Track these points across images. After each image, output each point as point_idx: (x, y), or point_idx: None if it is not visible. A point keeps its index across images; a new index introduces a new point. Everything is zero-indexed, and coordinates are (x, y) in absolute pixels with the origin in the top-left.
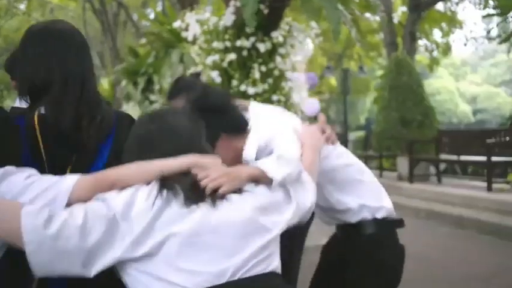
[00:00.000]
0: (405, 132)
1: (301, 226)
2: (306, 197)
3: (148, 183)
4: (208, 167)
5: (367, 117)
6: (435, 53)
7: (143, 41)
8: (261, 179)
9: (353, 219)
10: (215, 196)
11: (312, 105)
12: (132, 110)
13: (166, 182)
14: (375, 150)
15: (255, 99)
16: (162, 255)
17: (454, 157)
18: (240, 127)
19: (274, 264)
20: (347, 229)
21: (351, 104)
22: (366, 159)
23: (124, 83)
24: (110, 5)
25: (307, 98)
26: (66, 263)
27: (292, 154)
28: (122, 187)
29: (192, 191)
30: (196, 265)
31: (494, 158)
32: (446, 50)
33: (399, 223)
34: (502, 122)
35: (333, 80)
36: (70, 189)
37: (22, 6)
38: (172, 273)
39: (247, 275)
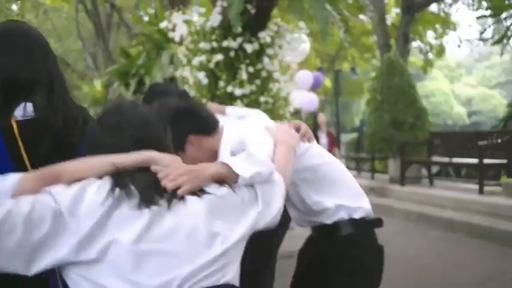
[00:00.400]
0: (396, 134)
1: (271, 233)
2: (274, 200)
3: (99, 178)
4: (166, 164)
5: (362, 119)
6: (430, 55)
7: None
8: (226, 177)
9: (330, 220)
10: (172, 197)
11: (311, 100)
12: None
13: (120, 180)
14: (367, 153)
15: (242, 101)
16: (106, 263)
17: (446, 159)
18: (208, 127)
19: (229, 275)
20: (323, 230)
21: (346, 106)
22: (358, 162)
23: (116, 84)
24: (103, 6)
25: (303, 95)
26: (5, 258)
27: (263, 153)
28: (71, 181)
29: (149, 190)
30: (140, 275)
31: (486, 161)
32: (440, 51)
33: (378, 222)
34: (495, 124)
35: (327, 82)
36: (14, 183)
37: (15, 7)
38: (115, 283)
39: (196, 287)
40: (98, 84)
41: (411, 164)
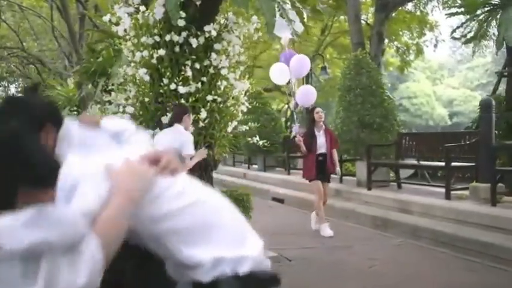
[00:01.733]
0: (364, 136)
1: None
2: (76, 275)
3: None
4: None
5: None
6: (411, 56)
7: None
8: None
9: (207, 276)
10: None
11: (306, 93)
12: (92, 110)
13: None
14: None
15: (187, 100)
16: None
17: (414, 162)
18: (41, 180)
19: None
20: None
21: (328, 106)
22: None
23: (85, 83)
24: (76, 4)
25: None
26: None
27: (70, 213)
28: None
29: None
30: None
31: (455, 163)
32: (418, 52)
33: (272, 281)
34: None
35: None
36: None
37: None
38: None
39: None
40: (71, 84)
41: (378, 166)
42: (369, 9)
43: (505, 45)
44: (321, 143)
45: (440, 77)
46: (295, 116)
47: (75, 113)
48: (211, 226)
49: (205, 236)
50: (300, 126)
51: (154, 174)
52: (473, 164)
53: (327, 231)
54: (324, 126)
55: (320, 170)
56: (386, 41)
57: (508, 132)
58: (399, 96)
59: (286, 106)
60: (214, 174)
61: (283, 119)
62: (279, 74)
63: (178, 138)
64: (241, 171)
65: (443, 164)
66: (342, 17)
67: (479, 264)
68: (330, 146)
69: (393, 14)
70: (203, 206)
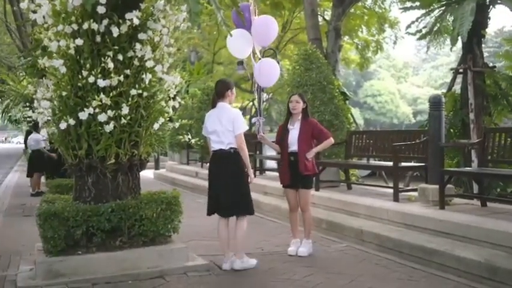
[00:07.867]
0: None
1: None
2: None
3: None
4: None
5: None
6: (371, 53)
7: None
8: None
9: None
10: None
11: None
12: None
13: None
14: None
15: (108, 95)
16: None
17: (363, 162)
18: None
19: None
20: None
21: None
22: (279, 163)
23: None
24: None
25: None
26: None
27: None
28: None
29: None
30: None
31: (407, 163)
32: (377, 48)
33: None
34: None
35: None
36: None
37: None
38: None
39: None
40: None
41: (326, 166)
42: (329, 5)
43: (460, 41)
44: (293, 139)
45: (404, 76)
46: (261, 104)
47: (27, 108)
48: None
49: None
50: (261, 120)
51: None
52: (424, 164)
53: (289, 248)
54: (301, 119)
55: (293, 173)
56: (347, 37)
57: (463, 130)
58: (363, 94)
59: (251, 104)
60: (167, 173)
61: (247, 117)
62: (238, 43)
63: (224, 117)
64: (194, 169)
65: (391, 164)
66: (302, 13)
67: (423, 272)
68: (305, 141)
69: (352, 10)
70: None
